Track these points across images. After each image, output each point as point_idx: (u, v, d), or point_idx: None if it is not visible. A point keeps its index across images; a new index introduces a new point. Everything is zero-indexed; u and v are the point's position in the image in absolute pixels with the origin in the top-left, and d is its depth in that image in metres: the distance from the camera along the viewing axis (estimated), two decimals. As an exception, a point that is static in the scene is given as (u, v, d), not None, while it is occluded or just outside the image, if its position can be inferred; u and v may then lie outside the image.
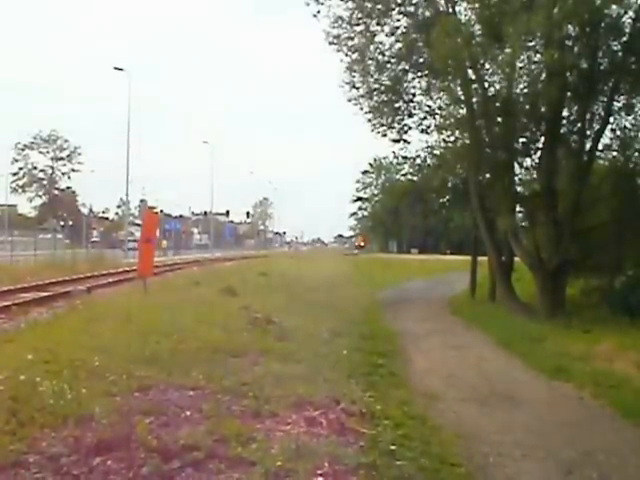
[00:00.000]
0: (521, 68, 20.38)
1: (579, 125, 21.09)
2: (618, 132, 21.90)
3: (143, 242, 22.47)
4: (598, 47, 19.71)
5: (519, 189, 23.37)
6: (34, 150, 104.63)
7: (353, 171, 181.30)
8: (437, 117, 23.94)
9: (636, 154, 22.16)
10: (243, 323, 13.90)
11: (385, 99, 24.83)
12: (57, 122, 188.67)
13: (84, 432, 6.31)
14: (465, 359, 13.57)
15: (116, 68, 62.61)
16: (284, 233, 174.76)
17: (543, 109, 20.62)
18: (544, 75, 19.84)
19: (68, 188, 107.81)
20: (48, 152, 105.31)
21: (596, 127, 21.05)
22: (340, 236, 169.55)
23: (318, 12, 23.98)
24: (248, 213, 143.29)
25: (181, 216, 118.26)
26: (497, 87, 21.60)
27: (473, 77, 21.66)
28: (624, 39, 19.86)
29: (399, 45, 24.11)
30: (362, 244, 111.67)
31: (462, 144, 21.82)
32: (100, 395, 7.51)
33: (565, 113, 21.36)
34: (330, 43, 24.37)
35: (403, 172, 36.40)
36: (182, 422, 7.01)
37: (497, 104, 21.08)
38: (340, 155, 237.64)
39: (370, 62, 24.43)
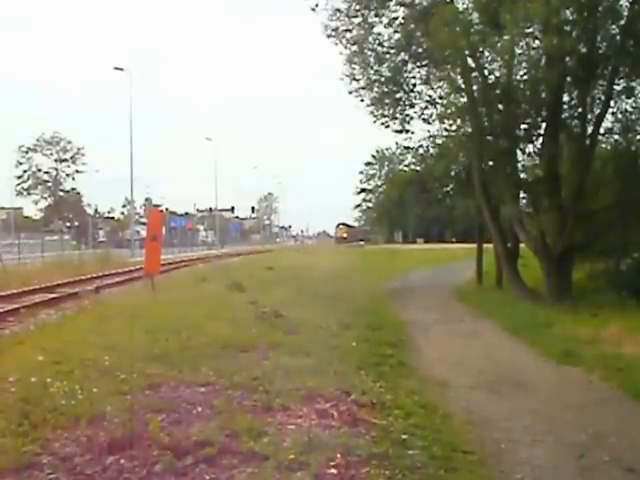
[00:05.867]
0: (520, 55, 20.41)
1: (580, 110, 21.08)
2: (619, 115, 21.91)
3: (149, 240, 22.46)
4: (596, 31, 19.62)
5: (522, 175, 23.40)
6: (38, 152, 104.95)
7: (357, 163, 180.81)
8: (438, 106, 23.93)
9: (638, 137, 22.14)
10: (251, 318, 13.91)
11: (386, 90, 24.78)
12: (59, 124, 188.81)
13: (96, 431, 6.34)
14: (474, 346, 13.59)
15: (116, 68, 62.58)
16: (290, 227, 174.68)
17: (543, 95, 20.65)
18: (543, 61, 19.88)
19: (73, 189, 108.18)
20: (52, 154, 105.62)
21: (597, 111, 21.02)
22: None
23: (316, 5, 24.00)
24: (253, 208, 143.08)
25: (186, 213, 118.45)
26: (497, 74, 21.68)
27: (473, 65, 21.67)
28: (622, 22, 19.82)
29: (398, 36, 24.06)
30: (345, 236, 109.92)
31: (464, 132, 21.87)
32: (111, 394, 7.55)
33: (566, 98, 21.37)
34: (328, 36, 24.39)
35: (406, 162, 36.36)
36: (194, 418, 7.04)
37: (497, 91, 21.13)
38: (344, 147, 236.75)
39: (369, 54, 24.38)
